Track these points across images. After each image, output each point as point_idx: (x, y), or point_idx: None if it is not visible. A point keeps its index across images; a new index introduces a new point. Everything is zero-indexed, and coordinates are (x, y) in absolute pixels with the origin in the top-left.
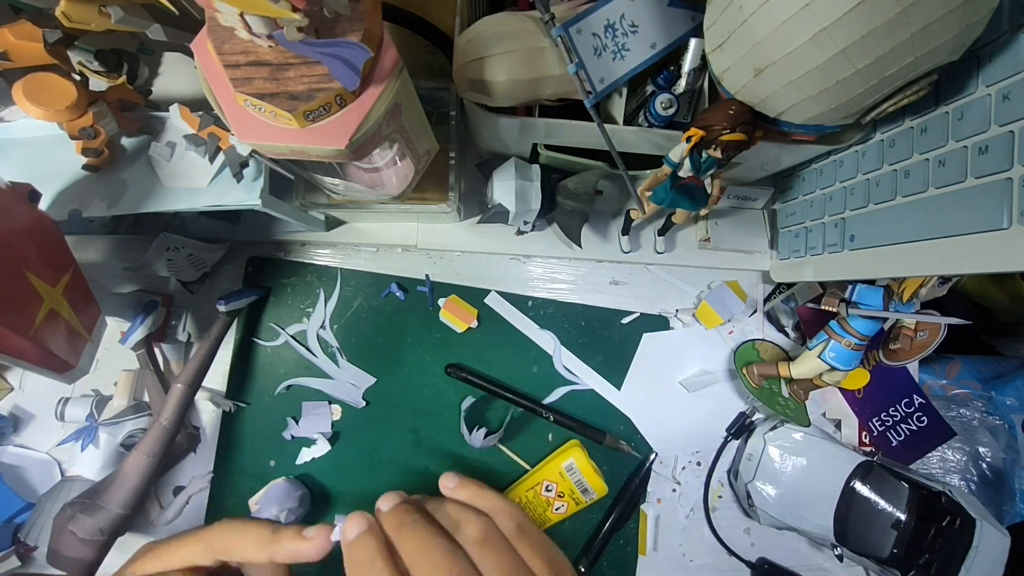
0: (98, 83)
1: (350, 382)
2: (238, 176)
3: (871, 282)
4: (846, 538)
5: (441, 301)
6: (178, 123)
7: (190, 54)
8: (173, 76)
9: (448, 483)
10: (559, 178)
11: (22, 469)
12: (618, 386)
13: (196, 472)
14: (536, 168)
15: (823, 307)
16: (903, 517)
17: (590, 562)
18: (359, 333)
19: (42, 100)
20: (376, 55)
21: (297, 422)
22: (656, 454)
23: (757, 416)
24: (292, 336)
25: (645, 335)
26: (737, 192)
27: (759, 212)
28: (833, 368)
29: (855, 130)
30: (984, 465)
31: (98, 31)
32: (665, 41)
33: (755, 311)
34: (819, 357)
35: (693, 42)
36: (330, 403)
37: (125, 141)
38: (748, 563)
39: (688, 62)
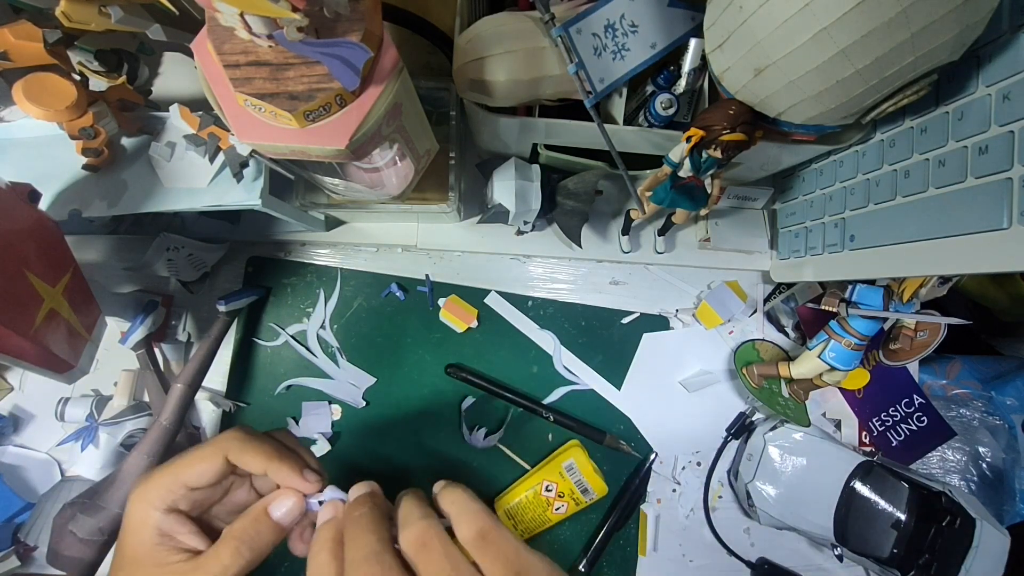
0: (98, 83)
1: (350, 382)
2: (238, 176)
3: (871, 282)
4: (846, 538)
5: (441, 301)
6: (178, 123)
7: (190, 54)
8: (173, 76)
9: (435, 489)
10: (559, 178)
11: (22, 469)
12: (618, 386)
13: None
14: (536, 168)
15: (823, 307)
16: (903, 517)
17: (590, 562)
18: (359, 333)
19: (42, 100)
20: (376, 55)
21: (297, 422)
22: (656, 454)
23: (757, 416)
24: (292, 336)
25: (645, 335)
26: (737, 192)
27: (759, 212)
28: (833, 368)
29: (855, 130)
30: (984, 465)
31: (98, 31)
32: (665, 41)
33: (755, 311)
34: (819, 357)
35: (693, 42)
36: (330, 403)
37: (125, 141)
38: (748, 563)
39: (688, 62)
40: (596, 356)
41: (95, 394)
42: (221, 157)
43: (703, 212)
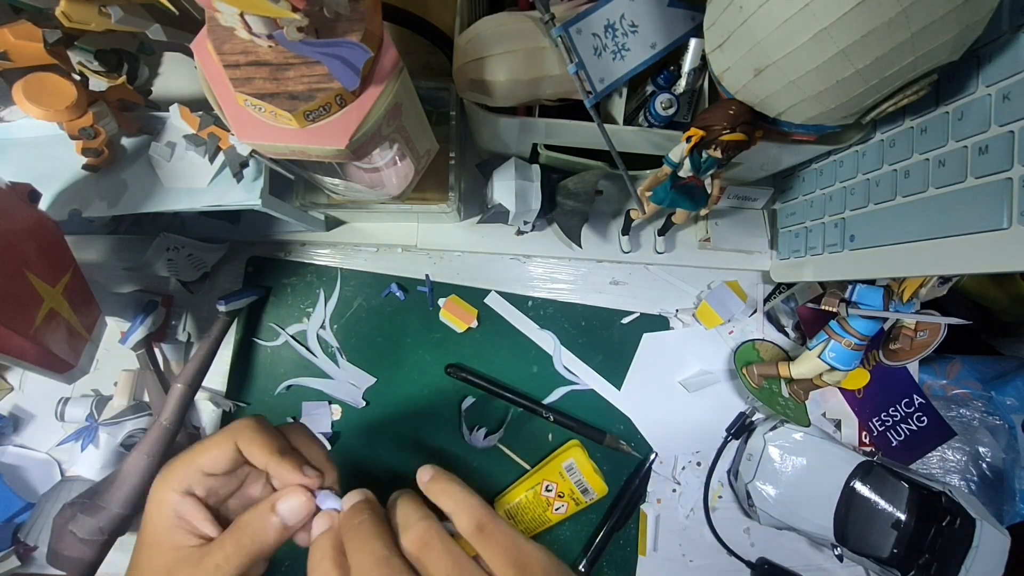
0: (98, 83)
1: (350, 382)
2: (238, 176)
3: (871, 282)
4: (846, 538)
5: (441, 301)
6: (178, 123)
7: (190, 54)
8: (173, 76)
9: (423, 476)
10: (559, 178)
11: (22, 469)
12: (618, 386)
13: None
14: (536, 168)
15: (823, 307)
16: (903, 517)
17: (590, 562)
18: (359, 333)
19: (42, 100)
20: (376, 55)
21: (297, 422)
22: (656, 454)
23: (757, 416)
24: (292, 336)
25: (645, 335)
26: (737, 192)
27: (759, 212)
28: (833, 368)
29: (855, 130)
30: (984, 465)
31: (98, 31)
32: (665, 41)
33: (755, 311)
34: (819, 357)
35: (693, 42)
36: (330, 403)
37: (125, 141)
38: (748, 563)
39: (688, 62)
40: (596, 356)
41: (95, 394)
42: (221, 157)
43: (703, 212)
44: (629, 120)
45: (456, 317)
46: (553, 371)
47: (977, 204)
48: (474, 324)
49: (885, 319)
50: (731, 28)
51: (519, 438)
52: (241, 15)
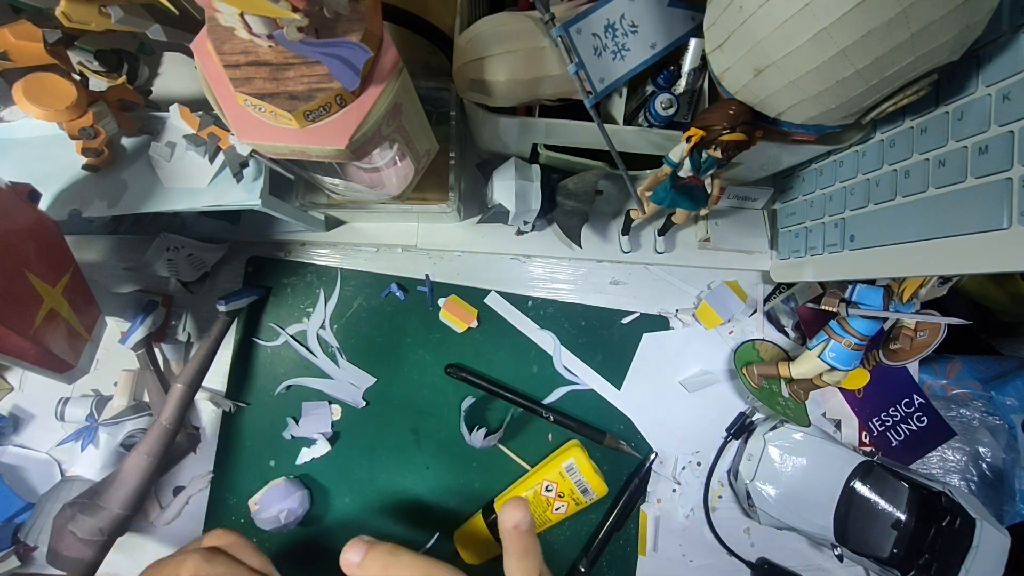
0: (98, 83)
1: (350, 382)
2: (238, 176)
3: (871, 282)
4: (846, 538)
5: (441, 301)
6: (178, 123)
7: (190, 54)
8: (173, 76)
9: (352, 557)
10: (559, 178)
11: (22, 469)
12: (618, 386)
13: (196, 472)
14: (536, 168)
15: (823, 307)
16: (903, 517)
17: (590, 562)
18: (359, 333)
19: (42, 100)
20: (376, 55)
21: (297, 422)
22: (656, 454)
23: (757, 416)
24: (292, 336)
25: (645, 335)
26: (737, 192)
27: (759, 212)
28: (833, 368)
29: (855, 130)
30: (984, 465)
31: (98, 31)
32: (665, 41)
33: (755, 311)
34: (819, 357)
35: (693, 42)
36: (330, 403)
37: (125, 141)
38: (748, 563)
39: (688, 62)
40: (596, 356)
41: (95, 394)
42: (221, 157)
43: (703, 212)
44: (629, 120)
45: (456, 317)
46: (553, 371)
47: (977, 204)
48: (474, 324)
49: (885, 319)
50: (731, 28)
51: (519, 438)
52: (241, 15)
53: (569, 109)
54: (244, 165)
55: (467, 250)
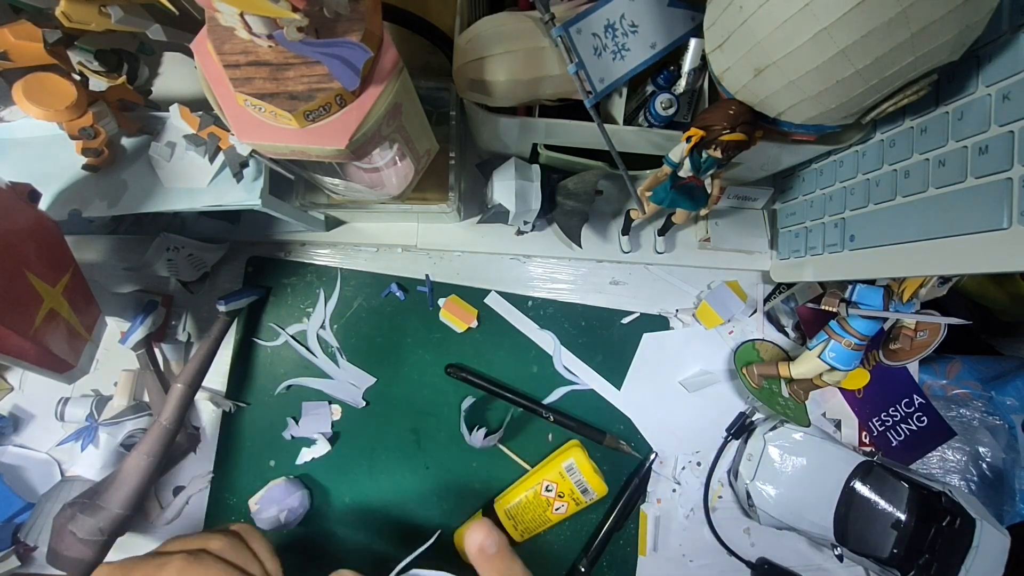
0: (98, 83)
1: (350, 382)
2: (238, 176)
3: (871, 282)
4: (846, 538)
5: (441, 301)
6: (178, 123)
7: (190, 54)
8: (173, 76)
9: (487, 546)
10: (559, 178)
11: (22, 469)
12: (618, 386)
13: (196, 472)
14: (536, 168)
15: (823, 307)
16: (903, 517)
17: (590, 562)
18: (359, 333)
19: (42, 100)
20: (376, 55)
21: (297, 422)
22: (656, 454)
23: (757, 416)
24: (292, 336)
25: (645, 335)
26: (737, 192)
27: (759, 212)
28: (833, 368)
29: (855, 130)
30: (984, 465)
31: (98, 31)
32: (665, 41)
33: (755, 311)
34: (819, 357)
35: (693, 42)
36: (330, 403)
37: (125, 141)
38: (748, 563)
39: (688, 62)
40: (596, 356)
41: (95, 394)
42: (221, 157)
43: (703, 212)
44: (629, 120)
45: (456, 317)
46: (553, 371)
47: (977, 204)
48: (474, 324)
49: (885, 319)
50: (731, 28)
51: (519, 438)
52: (241, 15)
53: (569, 109)
54: (244, 165)
55: (467, 250)
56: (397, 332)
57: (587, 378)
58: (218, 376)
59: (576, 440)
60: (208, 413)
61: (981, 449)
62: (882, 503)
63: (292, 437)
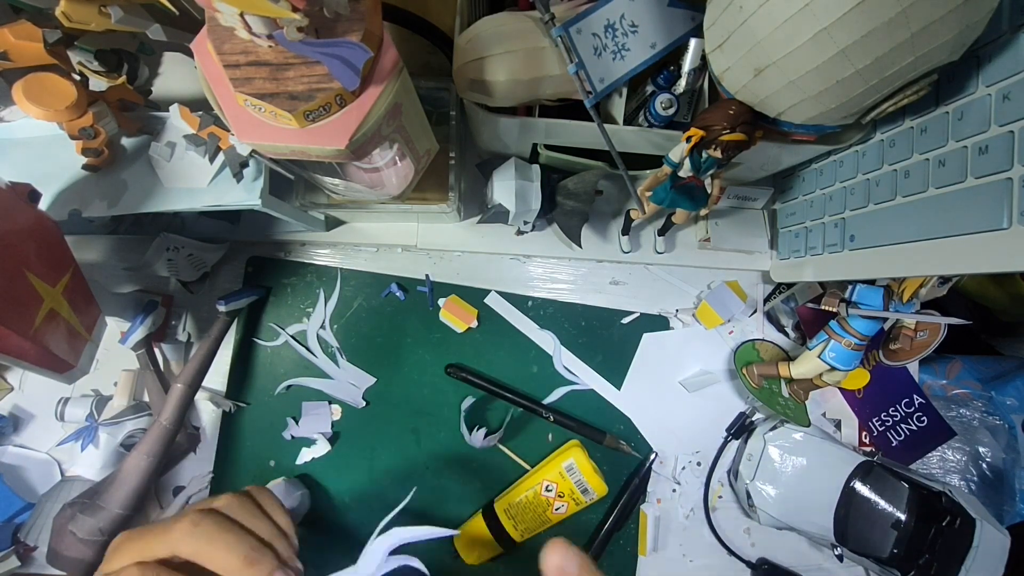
0: (98, 83)
1: (350, 382)
2: (238, 176)
3: (871, 282)
4: (846, 538)
5: (441, 301)
6: (178, 123)
7: (190, 54)
8: (173, 76)
9: (568, 569)
10: (559, 178)
11: (22, 469)
12: (618, 386)
13: (196, 472)
14: (536, 168)
15: (823, 307)
16: (903, 517)
17: None
18: (359, 333)
19: (42, 100)
20: (376, 55)
21: (297, 422)
22: (656, 454)
23: (757, 416)
24: (292, 336)
25: (645, 335)
26: (737, 192)
27: (759, 212)
28: (833, 368)
29: (855, 130)
30: (984, 465)
31: (98, 31)
32: (665, 41)
33: (755, 311)
34: (819, 357)
35: (693, 42)
36: (330, 403)
37: (125, 141)
38: (748, 563)
39: (688, 62)
40: (596, 356)
41: (95, 394)
42: (221, 157)
43: (703, 212)
44: (629, 120)
45: (456, 317)
46: (553, 371)
47: (977, 204)
48: (474, 324)
49: (885, 319)
50: (731, 28)
51: (519, 438)
52: (241, 15)
53: (569, 109)
54: (244, 165)
55: (467, 250)
56: (397, 332)
57: (587, 378)
58: (218, 376)
59: (576, 440)
60: (208, 413)
61: (981, 449)
62: (882, 503)
63: (292, 437)
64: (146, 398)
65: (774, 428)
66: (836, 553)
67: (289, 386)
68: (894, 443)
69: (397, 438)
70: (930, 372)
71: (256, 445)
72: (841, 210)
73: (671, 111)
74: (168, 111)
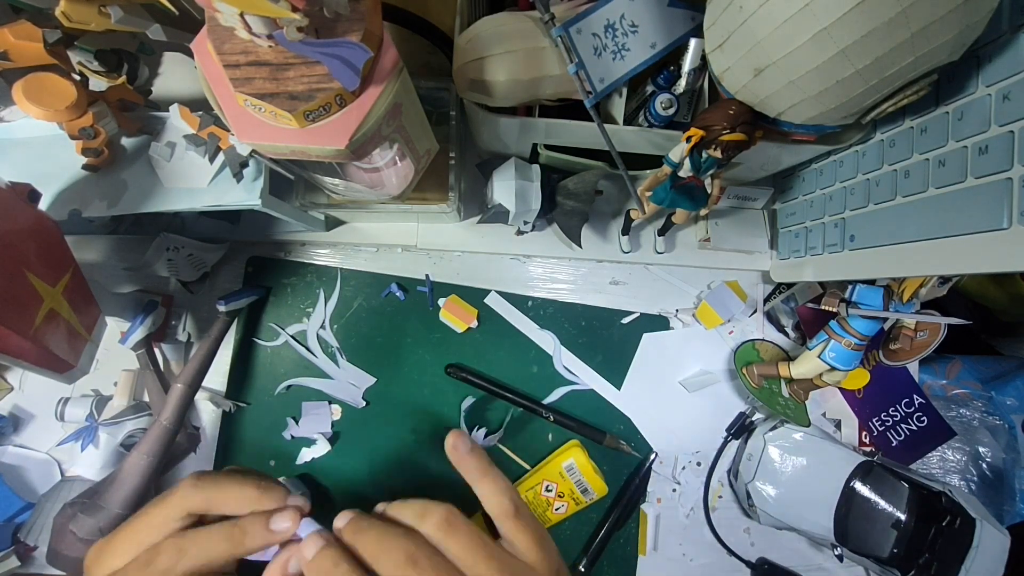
0: (98, 83)
1: (350, 382)
2: (238, 176)
3: (871, 282)
4: (846, 538)
5: (441, 301)
6: (178, 123)
7: (190, 54)
8: (173, 76)
9: (462, 448)
10: (559, 178)
11: (22, 469)
12: (618, 386)
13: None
14: (536, 168)
15: (823, 307)
16: (903, 517)
17: (590, 562)
18: (359, 333)
19: (42, 100)
20: (376, 55)
21: (297, 422)
22: (656, 454)
23: (757, 416)
24: (292, 336)
25: (645, 335)
26: (737, 192)
27: (759, 212)
28: (833, 368)
29: (855, 130)
30: (984, 465)
31: (98, 31)
32: (665, 41)
33: (755, 311)
34: (819, 357)
35: (693, 42)
36: (330, 403)
37: (125, 141)
38: (748, 563)
39: (688, 62)
40: (596, 356)
41: (95, 394)
42: (221, 157)
43: (703, 212)
44: (629, 120)
45: (456, 317)
46: (553, 371)
47: (977, 204)
48: (474, 324)
49: (885, 319)
50: (731, 28)
51: (519, 438)
52: (241, 15)
53: (569, 109)
54: (244, 165)
55: (467, 250)
56: (397, 332)
57: (587, 378)
58: (218, 376)
59: (576, 440)
60: (208, 413)
61: (981, 449)
62: (882, 503)
63: (292, 437)
64: (146, 398)
65: (774, 428)
66: (836, 553)
67: (289, 386)
68: (894, 443)
69: (397, 438)
70: (930, 372)
71: (256, 445)
72: (841, 210)
73: (671, 111)
74: (168, 111)
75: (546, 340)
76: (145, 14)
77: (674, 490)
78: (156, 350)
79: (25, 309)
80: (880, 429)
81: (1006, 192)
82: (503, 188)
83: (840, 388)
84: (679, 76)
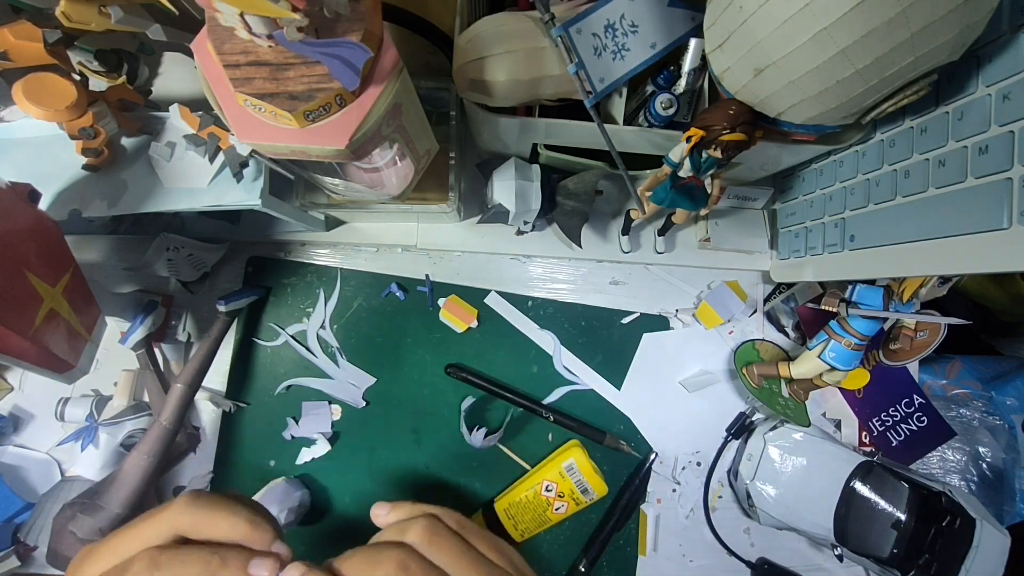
0: (98, 83)
1: (350, 382)
2: (238, 176)
3: (871, 282)
4: (846, 538)
5: (441, 301)
6: (178, 123)
7: (190, 54)
8: (173, 76)
9: (379, 511)
10: (559, 178)
11: (22, 469)
12: (618, 386)
13: (196, 472)
14: (536, 168)
15: (823, 307)
16: (903, 517)
17: (590, 562)
18: (359, 333)
19: (42, 100)
20: (376, 55)
21: (297, 422)
22: (656, 454)
23: (757, 416)
24: (292, 336)
25: (645, 335)
26: (737, 192)
27: (759, 212)
28: (833, 368)
29: (855, 130)
30: (984, 465)
31: (98, 31)
32: (665, 41)
33: (755, 311)
34: (819, 357)
35: (693, 42)
36: (330, 403)
37: (125, 141)
38: (748, 563)
39: (688, 62)
40: (596, 356)
41: (95, 394)
42: (221, 157)
43: (703, 212)
44: (629, 120)
45: (456, 317)
46: (553, 371)
47: (977, 204)
48: (474, 324)
49: (885, 319)
50: (731, 28)
51: (519, 438)
52: (241, 15)
53: (569, 109)
54: (244, 165)
55: (467, 250)
56: (397, 332)
57: (587, 378)
58: (218, 376)
59: (576, 440)
60: (208, 413)
61: (981, 449)
62: (882, 503)
63: (292, 437)
64: (146, 398)
65: (774, 428)
66: (836, 553)
67: (289, 386)
68: (894, 443)
69: (397, 438)
70: (930, 372)
71: (256, 445)
72: (841, 210)
73: (671, 111)
74: (168, 111)
75: (546, 340)
76: (145, 14)
77: (674, 490)
78: (156, 350)
79: (25, 309)
80: (880, 429)
81: (1006, 192)
82: (503, 188)
83: (840, 388)
84: (679, 76)
